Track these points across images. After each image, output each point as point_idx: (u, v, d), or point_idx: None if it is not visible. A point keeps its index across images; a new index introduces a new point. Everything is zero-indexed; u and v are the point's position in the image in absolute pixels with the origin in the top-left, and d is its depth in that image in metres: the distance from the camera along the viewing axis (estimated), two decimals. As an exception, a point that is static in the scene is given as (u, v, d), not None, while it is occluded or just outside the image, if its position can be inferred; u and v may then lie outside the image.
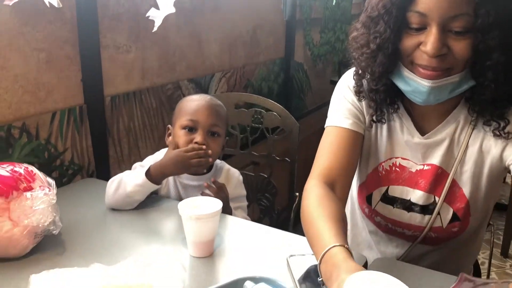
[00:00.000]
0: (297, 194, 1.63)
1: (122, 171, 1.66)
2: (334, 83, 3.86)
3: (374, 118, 1.07)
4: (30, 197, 0.93)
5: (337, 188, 1.02)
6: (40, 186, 0.99)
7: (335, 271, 0.76)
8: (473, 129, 1.02)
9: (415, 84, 0.94)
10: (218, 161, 1.38)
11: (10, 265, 0.94)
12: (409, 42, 0.92)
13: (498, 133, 0.98)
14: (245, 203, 1.38)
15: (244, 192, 1.38)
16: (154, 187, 1.20)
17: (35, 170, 1.04)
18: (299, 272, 0.92)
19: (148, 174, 1.19)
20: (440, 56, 0.90)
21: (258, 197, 1.71)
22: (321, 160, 1.06)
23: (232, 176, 1.37)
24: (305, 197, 0.99)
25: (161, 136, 1.84)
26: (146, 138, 1.80)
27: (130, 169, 1.69)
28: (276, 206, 1.70)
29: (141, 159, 1.52)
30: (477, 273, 1.33)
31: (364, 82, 1.05)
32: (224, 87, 2.22)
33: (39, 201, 0.93)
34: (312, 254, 0.98)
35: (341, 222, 0.90)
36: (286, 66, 2.76)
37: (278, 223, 1.71)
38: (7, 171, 0.98)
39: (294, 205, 1.62)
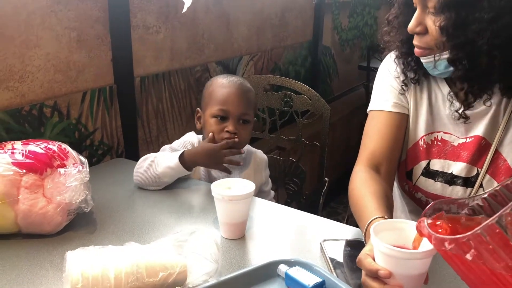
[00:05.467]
0: (327, 179, 1.61)
1: (150, 152, 1.67)
2: (362, 68, 3.80)
3: (412, 79, 1.10)
4: (64, 173, 0.93)
5: (382, 171, 1.07)
6: (73, 164, 0.99)
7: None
8: None
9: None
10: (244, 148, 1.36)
11: (45, 241, 0.95)
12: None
13: None
14: (271, 183, 1.44)
15: (269, 172, 1.43)
16: (184, 172, 1.19)
17: (68, 148, 1.04)
18: (333, 257, 0.91)
19: (181, 158, 1.18)
20: (419, 35, 0.98)
21: (286, 181, 1.69)
22: (366, 145, 1.11)
23: (260, 159, 1.38)
24: (351, 181, 1.07)
25: (188, 118, 1.83)
26: (174, 120, 1.79)
27: (158, 150, 1.69)
28: (304, 191, 1.68)
29: (169, 141, 1.52)
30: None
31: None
32: (251, 70, 2.20)
33: (72, 178, 0.93)
34: (345, 239, 0.97)
35: (385, 198, 0.97)
36: (313, 50, 2.71)
37: (306, 208, 1.68)
38: (42, 148, 0.98)
39: (324, 190, 1.60)
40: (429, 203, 1.08)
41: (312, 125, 1.64)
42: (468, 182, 1.07)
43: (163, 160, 1.19)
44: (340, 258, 0.91)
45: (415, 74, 1.09)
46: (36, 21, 1.27)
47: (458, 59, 0.95)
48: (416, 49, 1.01)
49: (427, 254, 0.73)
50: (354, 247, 0.95)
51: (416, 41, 1.00)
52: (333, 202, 2.94)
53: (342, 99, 3.17)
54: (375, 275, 0.75)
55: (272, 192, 1.44)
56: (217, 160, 1.19)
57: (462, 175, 1.07)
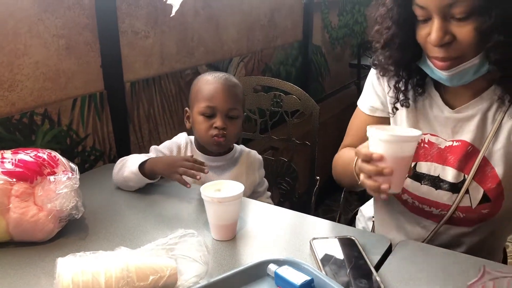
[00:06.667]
0: (318, 178, 1.62)
1: (143, 156, 1.68)
2: (353, 66, 3.81)
3: (398, 104, 1.10)
4: (54, 180, 0.94)
5: None
6: (63, 171, 1.00)
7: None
8: (508, 107, 0.99)
9: (437, 74, 0.98)
10: (236, 146, 1.38)
11: (37, 249, 0.96)
12: (420, 33, 0.96)
13: None
14: (267, 184, 1.44)
15: (264, 172, 1.43)
16: (145, 180, 1.19)
17: (58, 156, 1.05)
18: (322, 255, 0.92)
19: (142, 165, 1.17)
20: (445, 45, 0.92)
21: (278, 181, 1.71)
22: (346, 139, 1.23)
23: (254, 158, 1.39)
24: (334, 159, 1.21)
25: (180, 121, 1.84)
26: (166, 124, 1.80)
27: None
28: (297, 190, 1.69)
29: (161, 145, 1.52)
30: (504, 259, 1.30)
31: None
32: (242, 72, 2.21)
33: (62, 185, 0.94)
34: (335, 237, 0.98)
35: None
36: (304, 49, 2.73)
37: (299, 207, 1.70)
38: (31, 157, 0.99)
39: (315, 188, 1.61)
40: (415, 206, 1.11)
41: (303, 124, 1.65)
42: (454, 187, 1.06)
43: (129, 164, 1.20)
44: (329, 256, 0.92)
45: (405, 97, 1.08)
46: (24, 30, 1.27)
47: (505, 59, 0.90)
48: (441, 63, 0.94)
49: (413, 138, 0.89)
50: (344, 244, 0.96)
51: (441, 53, 0.93)
52: (328, 200, 2.95)
53: (334, 97, 3.19)
54: (369, 159, 0.89)
55: (268, 193, 1.45)
56: (173, 169, 1.14)
57: (449, 179, 1.06)
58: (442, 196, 1.07)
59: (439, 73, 0.97)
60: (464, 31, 0.90)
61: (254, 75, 2.25)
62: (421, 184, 1.10)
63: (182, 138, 1.34)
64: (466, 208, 1.06)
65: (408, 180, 1.11)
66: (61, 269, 0.74)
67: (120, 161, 1.24)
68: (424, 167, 1.09)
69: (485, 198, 1.04)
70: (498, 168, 1.02)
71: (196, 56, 1.91)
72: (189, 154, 1.30)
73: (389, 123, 1.14)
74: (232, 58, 2.13)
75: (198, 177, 1.13)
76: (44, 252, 0.95)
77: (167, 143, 1.33)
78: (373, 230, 1.29)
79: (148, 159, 1.19)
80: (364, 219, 1.36)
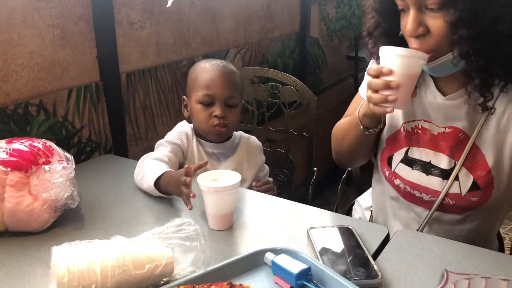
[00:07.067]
0: (315, 169, 1.62)
1: (139, 148, 1.68)
2: (350, 59, 3.81)
3: None
4: (49, 170, 0.93)
5: None
6: (58, 161, 0.99)
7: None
8: (498, 95, 1.00)
9: None
10: (235, 132, 1.37)
11: (32, 239, 0.95)
12: (401, 24, 0.99)
13: None
14: (268, 169, 1.44)
15: (264, 158, 1.42)
16: (165, 196, 1.10)
17: (53, 145, 1.04)
18: (319, 244, 0.91)
19: (157, 184, 1.09)
20: (421, 37, 0.95)
21: (276, 172, 1.70)
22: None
23: (254, 144, 1.38)
24: (333, 129, 1.23)
25: (177, 113, 1.83)
26: (162, 115, 1.79)
27: (147, 145, 1.70)
28: (294, 182, 1.69)
29: (158, 137, 1.52)
30: (500, 246, 1.30)
31: None
32: (239, 63, 2.20)
33: (58, 175, 0.93)
34: (333, 226, 0.98)
35: None
36: (301, 41, 2.71)
37: (296, 199, 1.69)
38: (26, 146, 0.98)
39: (313, 179, 1.61)
40: (407, 191, 1.12)
41: (301, 116, 1.65)
42: (445, 174, 1.07)
43: (147, 178, 1.11)
44: (326, 245, 0.91)
45: None
46: (18, 19, 1.26)
47: (475, 52, 0.92)
48: None
49: (423, 56, 0.94)
50: (341, 233, 0.96)
51: (416, 45, 0.96)
52: (325, 192, 2.95)
53: (331, 90, 3.18)
54: (379, 74, 0.94)
55: (270, 179, 1.42)
56: (179, 190, 1.03)
57: (440, 165, 1.07)
58: (433, 182, 1.08)
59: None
60: (437, 23, 0.92)
61: (251, 66, 2.24)
62: (413, 169, 1.10)
63: (186, 126, 1.31)
64: (456, 195, 1.06)
65: (400, 165, 1.12)
66: (56, 258, 0.73)
67: (139, 166, 1.17)
68: (416, 153, 1.10)
69: (475, 186, 1.04)
70: (488, 156, 1.03)
71: (193, 47, 1.89)
72: (194, 142, 1.28)
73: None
74: (229, 50, 2.12)
75: (189, 207, 1.00)
76: (39, 242, 0.94)
77: (174, 134, 1.28)
78: (370, 220, 1.29)
79: (163, 174, 1.09)
80: (361, 209, 1.36)
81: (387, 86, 0.93)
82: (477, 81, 0.97)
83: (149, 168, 1.14)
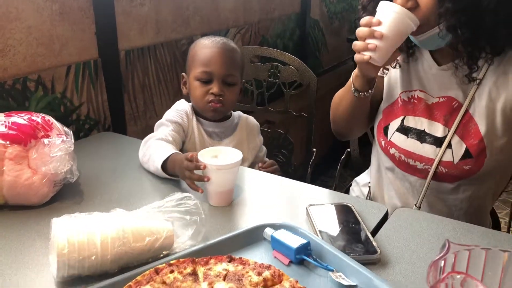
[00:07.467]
0: (314, 149, 1.62)
1: (138, 127, 1.67)
2: (351, 41, 3.77)
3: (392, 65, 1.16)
4: (48, 143, 0.93)
5: None
6: (57, 135, 0.98)
7: None
8: (489, 65, 1.04)
9: (411, 38, 1.07)
10: (233, 112, 1.36)
11: (32, 212, 0.95)
12: None
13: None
14: (265, 149, 1.44)
15: (262, 138, 1.43)
16: (172, 178, 1.09)
17: (52, 120, 1.04)
18: (318, 221, 0.92)
19: (164, 166, 1.07)
20: (411, 11, 0.98)
21: (274, 153, 1.70)
22: None
23: (252, 124, 1.38)
24: (332, 100, 1.26)
25: (176, 92, 1.82)
26: (161, 95, 1.78)
27: (146, 125, 1.69)
28: (293, 162, 1.69)
29: (156, 116, 1.51)
30: (496, 224, 1.31)
31: None
32: (238, 44, 2.17)
33: (57, 149, 0.93)
34: (332, 204, 0.98)
35: None
36: (301, 22, 2.69)
37: (295, 179, 1.70)
38: (25, 120, 0.97)
39: (311, 160, 1.61)
40: (402, 160, 1.15)
41: (301, 97, 1.64)
42: (438, 141, 1.10)
43: (154, 160, 1.09)
44: (325, 221, 0.92)
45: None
46: (16, -7, 1.24)
47: (461, 25, 0.96)
48: None
49: (415, 20, 0.98)
50: (340, 210, 0.96)
51: None
52: (323, 176, 2.96)
53: (331, 72, 3.16)
54: (369, 24, 0.99)
55: (266, 159, 1.43)
56: (183, 174, 1.02)
57: (433, 133, 1.11)
58: (427, 150, 1.11)
59: (412, 37, 1.05)
60: None
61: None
62: (408, 137, 1.14)
63: (185, 105, 1.30)
64: (449, 163, 1.09)
65: (396, 134, 1.15)
66: (56, 229, 0.73)
67: (145, 147, 1.15)
68: (412, 121, 1.14)
69: (467, 154, 1.07)
70: (481, 125, 1.05)
71: (192, 25, 1.87)
72: (194, 120, 1.28)
73: (383, 83, 1.22)
74: (228, 29, 2.10)
75: (200, 191, 1.01)
76: (39, 215, 0.94)
77: (175, 113, 1.26)
78: (368, 195, 1.29)
79: (170, 156, 1.07)
80: (358, 188, 1.36)
81: (371, 35, 0.98)
82: (463, 53, 1.02)
83: (155, 149, 1.12)
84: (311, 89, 1.58)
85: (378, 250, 0.82)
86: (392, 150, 1.16)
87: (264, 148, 1.44)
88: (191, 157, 0.98)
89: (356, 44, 1.02)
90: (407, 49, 1.14)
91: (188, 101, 1.32)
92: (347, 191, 1.47)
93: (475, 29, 0.97)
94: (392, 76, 1.20)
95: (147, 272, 0.71)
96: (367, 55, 1.00)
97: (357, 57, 1.02)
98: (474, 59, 1.02)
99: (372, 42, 0.99)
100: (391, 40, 0.99)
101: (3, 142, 0.92)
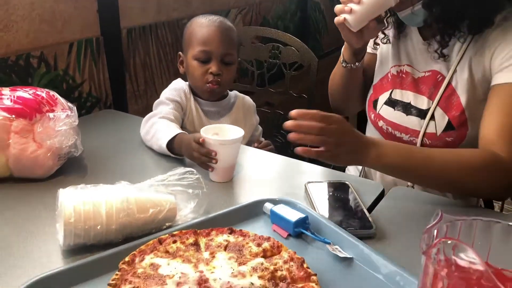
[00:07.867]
0: (313, 130, 1.63)
1: (139, 105, 1.68)
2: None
3: (378, 40, 1.24)
4: (53, 118, 0.95)
5: None
6: (62, 109, 1.00)
7: None
8: (471, 40, 1.08)
9: (396, 13, 1.11)
10: (230, 91, 1.37)
11: (37, 185, 0.97)
12: None
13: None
14: (261, 129, 1.47)
15: (258, 118, 1.45)
16: (177, 157, 1.11)
17: (56, 95, 1.05)
18: (317, 197, 0.94)
19: (171, 146, 1.09)
20: None
21: (274, 134, 1.72)
22: None
23: (249, 103, 1.40)
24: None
25: (176, 72, 1.81)
26: (162, 74, 1.79)
27: (146, 104, 1.71)
28: (292, 143, 1.70)
29: (157, 95, 1.51)
30: (489, 205, 1.34)
31: None
32: (239, 25, 2.18)
33: (61, 123, 0.95)
34: (330, 181, 1.01)
35: None
36: (302, 4, 2.68)
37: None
38: (30, 94, 0.99)
39: (310, 141, 1.62)
40: (389, 132, 1.20)
41: (301, 79, 1.65)
42: (423, 114, 1.14)
43: (159, 139, 1.10)
44: (323, 197, 0.94)
45: (384, 34, 1.22)
46: (19, -31, 1.24)
47: (433, 3, 1.02)
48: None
49: None
50: (338, 188, 0.99)
51: None
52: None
53: (331, 56, 3.16)
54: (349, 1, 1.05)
55: (262, 139, 1.45)
56: (191, 154, 1.03)
57: (418, 106, 1.15)
58: (412, 121, 1.16)
59: (397, 13, 1.10)
60: None
61: (251, 28, 2.22)
62: (394, 109, 1.19)
63: (182, 84, 1.31)
64: (432, 135, 1.13)
65: (384, 107, 1.21)
66: (63, 199, 0.76)
67: (147, 126, 1.16)
68: (399, 94, 1.19)
69: (449, 126, 1.11)
70: (462, 97, 1.09)
71: (194, 5, 1.87)
72: (192, 100, 1.29)
73: (375, 59, 1.28)
74: (229, 10, 2.10)
75: (211, 169, 1.02)
76: (44, 188, 0.96)
77: (173, 92, 1.27)
78: (363, 172, 1.31)
79: (176, 136, 1.08)
80: (353, 167, 1.38)
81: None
82: (435, 29, 1.08)
83: (159, 128, 1.13)
84: (311, 70, 1.59)
85: (374, 225, 0.85)
86: (380, 123, 1.22)
87: (260, 128, 1.45)
88: (202, 140, 0.99)
89: (337, 7, 1.08)
90: (397, 25, 1.19)
91: (185, 80, 1.33)
92: (344, 170, 1.49)
93: (445, 8, 1.02)
94: (384, 51, 1.25)
95: (151, 242, 0.73)
96: (342, 17, 1.06)
97: (335, 19, 1.08)
98: (446, 36, 1.07)
99: (349, 5, 1.05)
100: (367, 6, 1.04)
101: (9, 115, 0.94)
